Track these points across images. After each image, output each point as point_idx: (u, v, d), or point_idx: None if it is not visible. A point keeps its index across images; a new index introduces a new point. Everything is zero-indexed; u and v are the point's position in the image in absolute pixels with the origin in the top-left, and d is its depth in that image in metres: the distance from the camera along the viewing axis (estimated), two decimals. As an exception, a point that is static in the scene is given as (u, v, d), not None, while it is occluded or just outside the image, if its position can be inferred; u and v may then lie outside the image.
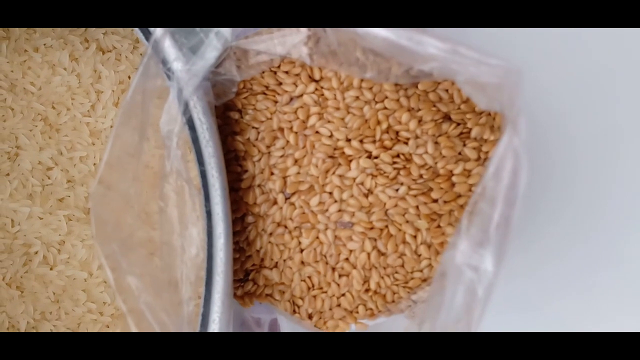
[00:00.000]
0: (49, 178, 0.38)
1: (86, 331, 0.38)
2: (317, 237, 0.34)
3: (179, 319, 0.31)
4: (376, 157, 0.33)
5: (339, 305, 0.35)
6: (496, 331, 0.36)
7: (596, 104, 0.41)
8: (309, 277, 0.35)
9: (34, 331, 0.39)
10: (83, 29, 0.38)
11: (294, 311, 0.36)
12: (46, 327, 0.39)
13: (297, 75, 0.33)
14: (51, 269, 0.39)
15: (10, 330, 0.39)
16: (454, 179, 0.33)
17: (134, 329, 0.31)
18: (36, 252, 0.39)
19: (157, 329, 0.30)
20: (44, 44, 0.38)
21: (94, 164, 0.38)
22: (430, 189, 0.33)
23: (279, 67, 0.34)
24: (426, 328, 0.29)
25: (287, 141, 0.34)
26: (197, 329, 0.32)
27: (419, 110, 0.33)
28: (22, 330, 0.38)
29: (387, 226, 0.34)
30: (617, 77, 0.41)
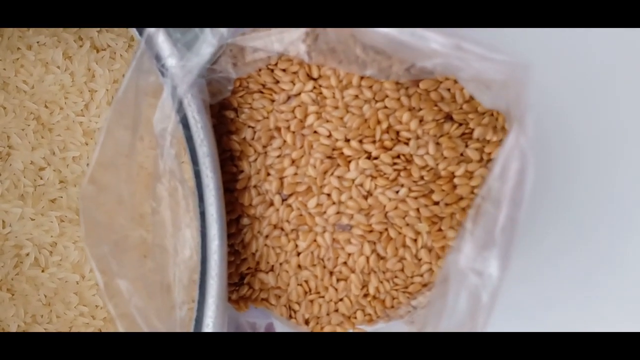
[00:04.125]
0: (41, 178, 0.38)
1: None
2: (315, 240, 0.34)
3: (171, 324, 0.31)
4: (376, 158, 0.33)
5: (336, 310, 0.35)
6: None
7: (598, 107, 0.40)
8: (306, 282, 0.35)
9: (25, 335, 0.38)
10: (77, 26, 0.37)
11: (290, 316, 0.36)
12: (37, 331, 0.38)
13: (295, 73, 0.33)
14: (43, 271, 0.38)
15: (0, 334, 0.38)
16: (455, 180, 0.33)
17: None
18: (27, 254, 0.38)
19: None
20: (37, 42, 0.37)
21: (87, 164, 0.38)
22: (432, 191, 0.33)
23: (276, 64, 0.33)
24: (427, 334, 0.28)
25: (284, 141, 0.34)
26: (190, 334, 0.31)
27: (420, 109, 0.32)
28: (12, 334, 0.38)
29: (386, 229, 0.33)
30: (619, 77, 0.40)
